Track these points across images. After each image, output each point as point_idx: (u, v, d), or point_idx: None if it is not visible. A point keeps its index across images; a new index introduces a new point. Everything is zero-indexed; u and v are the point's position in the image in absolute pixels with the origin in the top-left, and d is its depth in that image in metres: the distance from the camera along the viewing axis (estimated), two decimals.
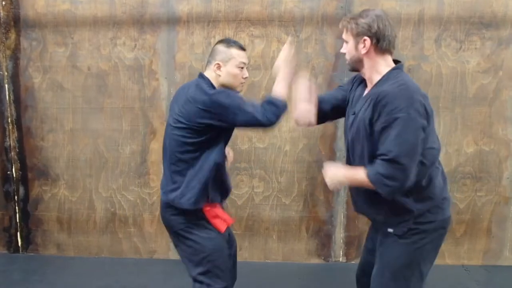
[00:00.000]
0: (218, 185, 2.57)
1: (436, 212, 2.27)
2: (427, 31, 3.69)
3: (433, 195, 2.26)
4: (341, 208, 3.93)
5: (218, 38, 3.76)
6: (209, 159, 2.48)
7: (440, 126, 3.77)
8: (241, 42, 3.69)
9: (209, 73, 2.57)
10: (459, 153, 3.83)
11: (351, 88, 2.46)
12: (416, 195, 2.21)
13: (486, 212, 3.91)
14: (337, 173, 2.25)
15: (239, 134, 3.84)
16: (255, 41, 3.77)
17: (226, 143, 2.59)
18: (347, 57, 2.32)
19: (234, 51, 2.54)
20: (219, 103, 2.37)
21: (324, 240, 4.02)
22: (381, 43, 2.22)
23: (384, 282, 2.32)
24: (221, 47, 2.56)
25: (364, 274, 2.59)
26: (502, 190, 3.87)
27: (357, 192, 2.40)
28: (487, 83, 3.73)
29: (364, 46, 2.22)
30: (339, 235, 4.00)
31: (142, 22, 3.79)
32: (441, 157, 3.76)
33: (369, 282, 2.42)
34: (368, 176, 2.10)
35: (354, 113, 2.29)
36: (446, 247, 3.95)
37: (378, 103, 2.10)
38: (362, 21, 2.22)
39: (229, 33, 3.75)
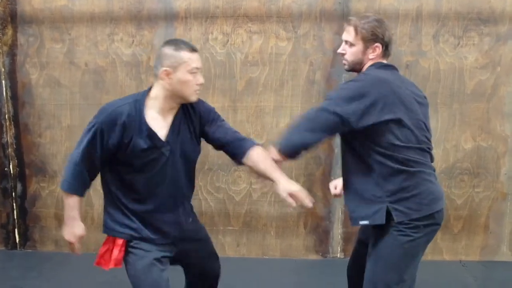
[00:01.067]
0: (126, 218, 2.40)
1: (419, 208, 2.27)
2: (425, 27, 3.68)
3: (404, 189, 2.25)
4: (339, 204, 3.93)
5: (216, 34, 3.76)
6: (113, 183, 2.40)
7: (438, 122, 3.77)
8: (239, 38, 3.75)
9: (156, 82, 2.24)
10: (457, 149, 3.83)
11: None
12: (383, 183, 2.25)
13: (484, 208, 3.92)
14: None
15: (237, 130, 3.82)
16: (253, 37, 3.76)
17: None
18: (349, 58, 2.33)
19: (185, 54, 2.17)
20: None
21: (322, 236, 4.03)
22: (388, 50, 2.33)
23: (379, 273, 2.34)
24: (168, 50, 2.19)
25: (355, 265, 2.61)
26: (499, 186, 3.88)
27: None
28: (485, 79, 3.73)
29: (373, 52, 2.28)
30: (337, 231, 4.00)
31: (140, 18, 3.78)
32: (439, 153, 3.80)
33: (360, 272, 2.44)
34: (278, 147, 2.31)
35: None
36: (443, 243, 3.96)
37: None
38: (374, 26, 2.26)
39: (227, 29, 3.74)
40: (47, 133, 3.99)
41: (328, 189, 3.87)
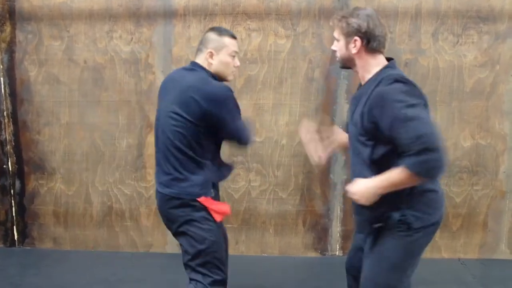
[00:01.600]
0: (216, 175, 2.58)
1: (428, 207, 2.26)
2: (424, 25, 3.68)
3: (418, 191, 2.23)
4: (338, 202, 3.93)
5: None
6: (210, 149, 2.50)
7: (437, 120, 3.77)
8: (238, 36, 3.72)
9: (201, 61, 2.54)
10: (456, 147, 3.83)
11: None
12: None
13: (483, 206, 3.92)
14: (367, 187, 2.14)
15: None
16: (252, 35, 3.76)
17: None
18: (338, 54, 2.32)
19: (227, 40, 2.52)
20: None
21: (320, 234, 4.03)
22: (371, 43, 2.23)
23: (381, 273, 2.32)
24: (213, 35, 2.53)
25: (354, 263, 2.61)
26: (498, 184, 3.88)
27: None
28: (484, 77, 3.73)
29: (354, 46, 2.23)
30: (336, 229, 4.00)
31: (139, 15, 3.78)
32: None
33: (359, 270, 2.44)
34: (413, 170, 2.00)
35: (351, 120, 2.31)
36: (442, 241, 3.97)
37: (377, 102, 2.10)
38: (353, 20, 2.21)
39: (225, 26, 3.73)
40: (45, 130, 3.99)
41: (327, 187, 3.91)
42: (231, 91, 2.48)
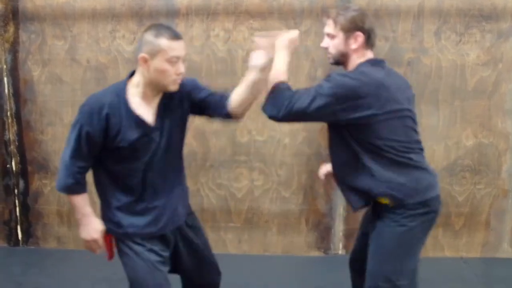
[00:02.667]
0: None
1: (412, 196, 2.28)
2: (426, 23, 3.68)
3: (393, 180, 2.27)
4: (341, 201, 3.93)
5: (217, 31, 3.76)
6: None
7: (440, 119, 3.77)
8: (241, 35, 3.74)
9: (138, 68, 2.18)
10: (458, 146, 3.83)
11: None
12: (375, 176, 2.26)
13: (485, 205, 3.92)
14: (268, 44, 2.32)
15: (238, 127, 3.84)
16: (255, 34, 3.75)
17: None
18: (332, 51, 2.32)
19: (164, 42, 2.06)
20: None
21: (323, 233, 4.03)
22: (371, 38, 2.28)
23: (376, 265, 2.36)
24: (148, 36, 2.10)
25: (357, 258, 2.63)
26: (501, 183, 3.88)
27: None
28: (486, 76, 3.73)
29: (355, 41, 2.25)
30: (339, 228, 4.01)
31: (141, 15, 3.78)
32: (441, 150, 3.81)
33: (362, 265, 2.46)
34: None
35: None
36: (444, 239, 3.97)
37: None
38: (353, 15, 2.24)
39: (228, 25, 3.74)
40: (49, 130, 4.00)
41: (330, 186, 3.91)
42: (93, 103, 2.16)
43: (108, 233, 2.36)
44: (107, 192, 2.35)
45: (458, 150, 3.84)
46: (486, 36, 3.68)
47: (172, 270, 2.49)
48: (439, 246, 3.98)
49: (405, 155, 2.26)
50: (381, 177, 2.25)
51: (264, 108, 2.27)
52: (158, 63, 2.07)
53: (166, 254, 2.37)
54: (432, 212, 2.32)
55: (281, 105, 2.18)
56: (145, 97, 2.20)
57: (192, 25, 3.77)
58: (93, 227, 2.33)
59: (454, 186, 3.87)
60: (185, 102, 2.32)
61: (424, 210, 2.28)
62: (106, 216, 2.38)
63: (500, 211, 3.93)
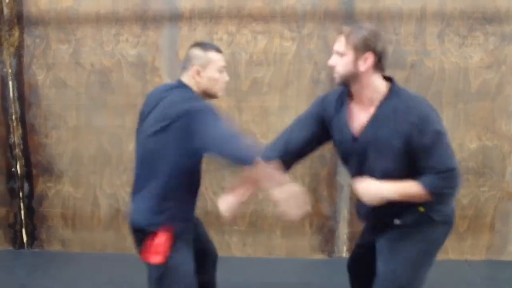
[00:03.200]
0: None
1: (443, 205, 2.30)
2: (429, 26, 3.68)
3: None
4: (345, 204, 3.94)
5: (220, 34, 3.77)
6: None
7: (443, 121, 3.76)
8: (244, 38, 3.77)
9: (187, 80, 2.42)
10: (462, 149, 3.82)
11: (326, 112, 2.40)
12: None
13: (489, 208, 3.91)
14: (379, 188, 2.18)
15: (243, 130, 3.84)
16: (258, 37, 3.77)
17: None
18: (340, 70, 2.19)
19: (213, 55, 2.41)
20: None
21: (327, 236, 4.03)
22: (382, 61, 2.16)
23: (395, 271, 2.32)
24: (197, 51, 2.42)
25: (357, 264, 2.67)
26: (505, 185, 3.87)
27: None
28: (490, 79, 3.73)
29: (364, 63, 2.13)
30: (343, 231, 4.00)
31: (145, 19, 3.80)
32: None
33: (361, 270, 2.55)
34: (429, 188, 2.12)
35: (354, 138, 2.27)
36: (449, 242, 3.93)
37: (414, 122, 2.13)
38: (366, 35, 2.12)
39: (231, 29, 3.75)
40: (53, 134, 4.02)
41: (334, 189, 3.91)
42: (211, 106, 2.30)
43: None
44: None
45: (462, 153, 3.83)
46: (489, 39, 3.67)
47: None
48: (443, 249, 3.93)
49: None
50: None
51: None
52: (210, 72, 2.39)
53: None
54: (451, 223, 2.34)
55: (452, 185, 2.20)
56: None
57: (195, 28, 3.79)
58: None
59: None
60: None
61: (445, 219, 2.30)
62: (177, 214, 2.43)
63: (504, 214, 3.91)
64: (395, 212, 2.29)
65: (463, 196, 3.88)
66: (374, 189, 2.19)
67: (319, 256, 4.07)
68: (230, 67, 3.79)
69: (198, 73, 2.38)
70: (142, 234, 2.39)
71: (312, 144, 2.51)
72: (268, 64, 3.79)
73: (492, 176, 3.86)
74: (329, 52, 3.72)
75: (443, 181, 2.12)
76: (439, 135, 2.16)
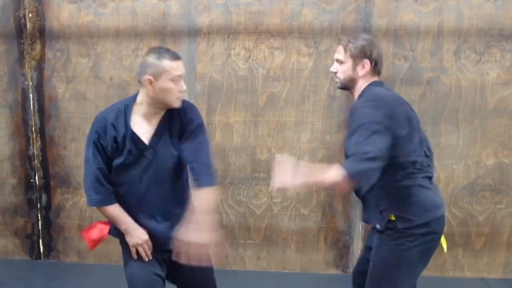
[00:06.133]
0: None
1: (419, 216, 2.30)
2: (446, 43, 3.69)
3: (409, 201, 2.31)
4: (359, 219, 3.93)
5: (238, 49, 3.81)
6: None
7: (460, 138, 3.76)
8: (261, 54, 3.80)
9: (142, 89, 2.31)
10: (478, 166, 3.81)
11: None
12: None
13: (506, 225, 3.88)
14: (292, 182, 2.11)
15: (258, 144, 3.87)
16: (275, 53, 3.80)
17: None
18: (341, 76, 2.41)
19: (167, 63, 2.22)
20: None
21: (342, 251, 4.02)
22: (378, 66, 2.39)
23: (373, 281, 2.41)
24: (150, 59, 2.24)
25: (359, 272, 2.67)
26: None
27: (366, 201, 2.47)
28: (507, 95, 3.72)
29: (363, 68, 2.36)
30: (357, 246, 3.99)
31: (164, 34, 3.85)
32: (461, 170, 3.79)
33: (362, 279, 2.52)
34: (349, 173, 2.04)
35: None
36: (465, 260, 3.93)
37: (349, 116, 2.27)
38: (363, 44, 2.35)
39: (249, 44, 3.79)
40: (72, 146, 4.07)
41: (349, 204, 3.91)
42: (100, 119, 2.42)
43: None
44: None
45: (479, 170, 3.82)
46: (506, 56, 3.67)
47: (171, 280, 2.64)
48: (459, 266, 3.94)
49: (419, 174, 2.30)
50: (395, 195, 2.31)
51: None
52: (163, 83, 2.23)
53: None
54: (432, 233, 2.32)
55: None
56: (146, 116, 2.36)
57: (213, 44, 3.83)
58: (138, 232, 2.48)
59: (474, 205, 3.84)
60: (181, 129, 2.41)
61: (424, 230, 2.29)
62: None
63: None
64: (377, 216, 2.37)
65: (479, 213, 3.86)
66: (287, 172, 2.13)
67: (333, 271, 4.05)
68: (247, 82, 3.83)
69: (150, 82, 2.23)
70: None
71: None
72: (285, 79, 3.82)
73: (509, 193, 3.83)
74: None
75: (358, 163, 2.06)
76: (359, 127, 2.14)
